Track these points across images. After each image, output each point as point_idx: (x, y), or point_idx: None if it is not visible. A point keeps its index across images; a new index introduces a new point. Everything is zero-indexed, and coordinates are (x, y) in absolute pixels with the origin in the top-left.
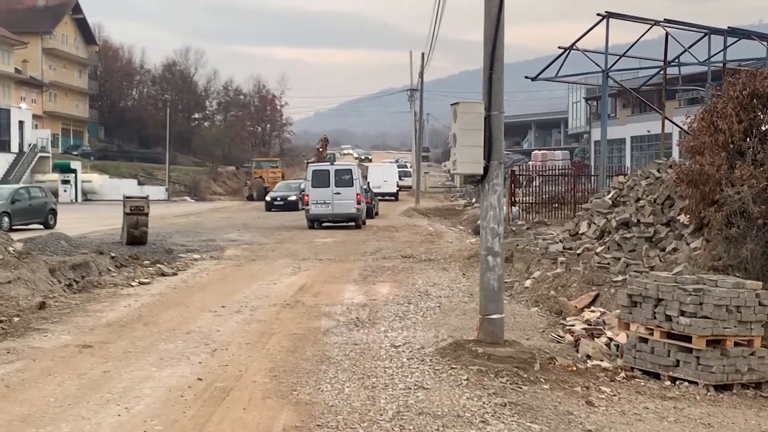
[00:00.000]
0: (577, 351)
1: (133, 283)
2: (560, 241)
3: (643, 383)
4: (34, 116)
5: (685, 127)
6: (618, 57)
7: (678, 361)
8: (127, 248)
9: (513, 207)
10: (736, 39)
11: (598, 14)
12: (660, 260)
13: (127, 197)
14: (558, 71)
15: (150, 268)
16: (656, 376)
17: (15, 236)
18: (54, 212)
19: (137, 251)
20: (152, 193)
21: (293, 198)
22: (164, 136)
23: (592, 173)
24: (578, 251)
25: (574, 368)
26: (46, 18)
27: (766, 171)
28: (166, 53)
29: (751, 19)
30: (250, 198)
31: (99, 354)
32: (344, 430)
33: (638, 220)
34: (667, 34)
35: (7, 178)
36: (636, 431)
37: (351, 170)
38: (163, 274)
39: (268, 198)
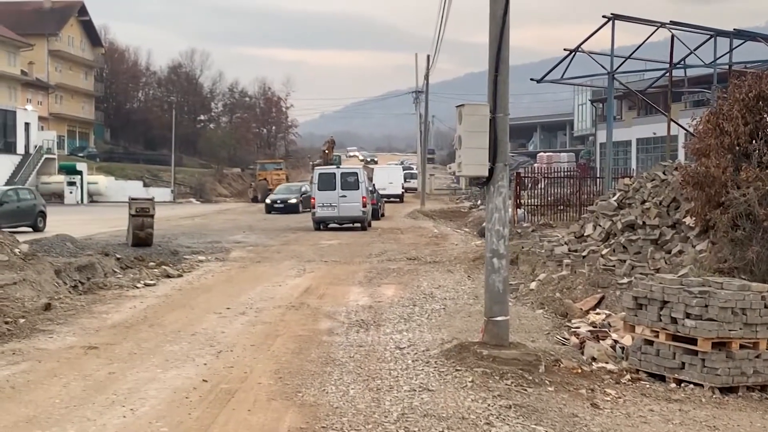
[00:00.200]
0: (582, 353)
1: (138, 285)
2: (565, 243)
3: (648, 385)
4: (40, 118)
5: (691, 130)
6: (624, 59)
7: (683, 363)
8: (133, 250)
9: (518, 209)
10: (742, 41)
11: (603, 16)
12: (665, 262)
13: (133, 199)
14: (563, 73)
15: (155, 270)
16: (661, 379)
17: (20, 238)
18: (43, 214)
19: (143, 253)
20: (158, 195)
21: (293, 201)
22: (170, 137)
23: (598, 175)
24: (583, 253)
25: (579, 370)
26: (52, 20)
27: None
28: (172, 55)
29: (758, 21)
30: (255, 200)
31: (104, 355)
32: None
33: (644, 223)
34: (672, 36)
35: (13, 179)
36: None
37: (357, 173)
38: (169, 276)
39: (267, 200)
